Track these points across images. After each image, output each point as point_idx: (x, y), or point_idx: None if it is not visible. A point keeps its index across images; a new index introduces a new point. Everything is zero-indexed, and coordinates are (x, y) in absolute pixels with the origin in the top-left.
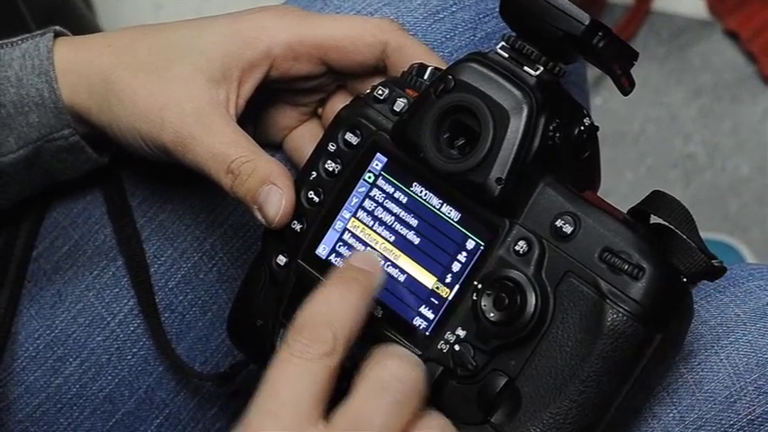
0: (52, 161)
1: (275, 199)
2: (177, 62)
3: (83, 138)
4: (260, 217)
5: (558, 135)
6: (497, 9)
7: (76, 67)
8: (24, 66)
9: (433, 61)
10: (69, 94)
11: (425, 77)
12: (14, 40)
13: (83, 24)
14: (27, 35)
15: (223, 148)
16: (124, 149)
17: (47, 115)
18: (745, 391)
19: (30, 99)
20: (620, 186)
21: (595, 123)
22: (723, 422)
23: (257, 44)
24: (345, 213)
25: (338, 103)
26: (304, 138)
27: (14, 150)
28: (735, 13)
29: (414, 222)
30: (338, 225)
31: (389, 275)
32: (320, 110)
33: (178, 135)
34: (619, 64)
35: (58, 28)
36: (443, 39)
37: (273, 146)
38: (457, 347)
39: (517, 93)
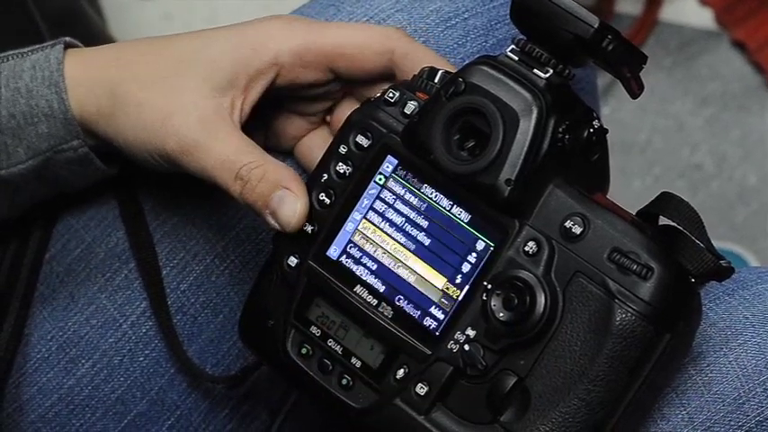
0: (61, 172)
1: (290, 203)
2: (184, 73)
3: (92, 149)
4: (273, 222)
5: (567, 137)
6: (509, 16)
7: (85, 80)
8: (35, 77)
9: (441, 66)
10: (78, 106)
11: (436, 81)
12: (25, 50)
13: (94, 33)
14: (37, 46)
15: (231, 155)
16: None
17: (56, 126)
18: (753, 393)
19: (39, 110)
20: (628, 196)
21: (605, 126)
22: (732, 423)
23: (264, 52)
24: (356, 215)
25: (346, 110)
26: (313, 145)
27: (24, 161)
28: (742, 24)
29: (424, 224)
30: (349, 226)
31: (399, 276)
32: (328, 117)
33: (183, 143)
34: (628, 67)
35: (68, 39)
36: (455, 45)
37: (283, 154)
38: (466, 347)
39: (527, 95)
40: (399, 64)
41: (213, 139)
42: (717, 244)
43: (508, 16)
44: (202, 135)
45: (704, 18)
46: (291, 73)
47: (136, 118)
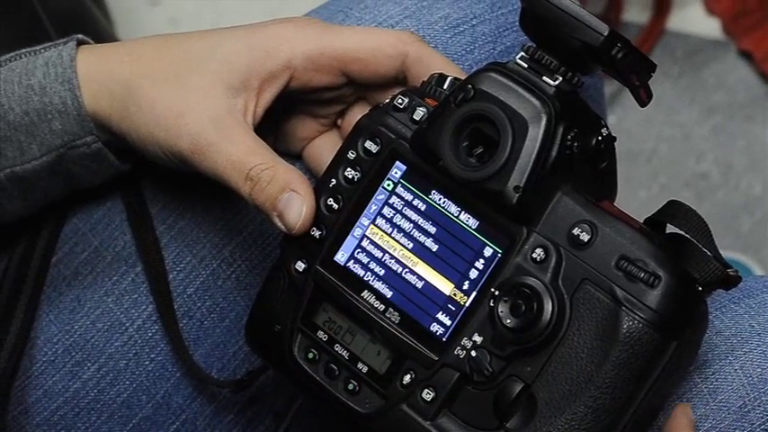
0: (75, 168)
1: (296, 205)
2: (197, 71)
3: (105, 145)
4: (279, 224)
5: (575, 144)
6: (517, 23)
7: (98, 76)
8: (48, 74)
9: (453, 72)
10: (91, 101)
11: (445, 87)
12: (37, 48)
13: (102, 37)
14: (50, 43)
15: (242, 156)
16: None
17: (70, 122)
18: (759, 401)
19: (53, 107)
20: (633, 205)
21: (613, 134)
22: None
23: (278, 55)
24: (364, 220)
25: (358, 114)
26: (323, 148)
27: (37, 157)
28: (749, 34)
29: (432, 230)
30: (357, 232)
31: (407, 282)
32: (339, 121)
33: (195, 143)
34: (637, 75)
35: (80, 36)
36: (463, 52)
37: (293, 156)
38: (473, 353)
39: (536, 102)
40: (412, 68)
41: (225, 139)
42: (722, 253)
43: (516, 23)
44: (215, 135)
45: (711, 27)
46: (305, 76)
47: (149, 114)
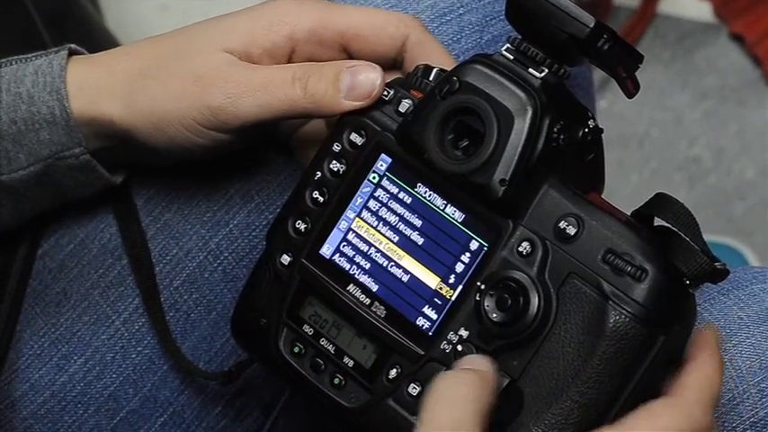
0: (63, 179)
1: (367, 69)
2: (199, 42)
3: (98, 157)
4: (349, 103)
5: (562, 137)
6: (504, 14)
7: (94, 81)
8: (36, 82)
9: (449, 61)
10: (88, 109)
11: (430, 79)
12: (29, 56)
13: (91, 25)
14: (41, 52)
15: (278, 71)
16: (145, 159)
17: (58, 133)
18: (747, 394)
19: (41, 116)
20: (625, 189)
21: (600, 126)
22: (726, 425)
23: (282, 27)
24: (350, 213)
25: None
26: (310, 137)
27: (25, 167)
28: (741, 17)
29: (418, 223)
30: (342, 225)
31: (393, 275)
32: None
33: (227, 89)
34: (624, 67)
35: (73, 46)
36: (450, 41)
37: (279, 145)
38: (459, 348)
39: (521, 94)
40: (410, 51)
41: (254, 70)
42: (714, 238)
43: (503, 12)
44: (243, 73)
45: (703, 11)
46: (307, 50)
47: (162, 94)
